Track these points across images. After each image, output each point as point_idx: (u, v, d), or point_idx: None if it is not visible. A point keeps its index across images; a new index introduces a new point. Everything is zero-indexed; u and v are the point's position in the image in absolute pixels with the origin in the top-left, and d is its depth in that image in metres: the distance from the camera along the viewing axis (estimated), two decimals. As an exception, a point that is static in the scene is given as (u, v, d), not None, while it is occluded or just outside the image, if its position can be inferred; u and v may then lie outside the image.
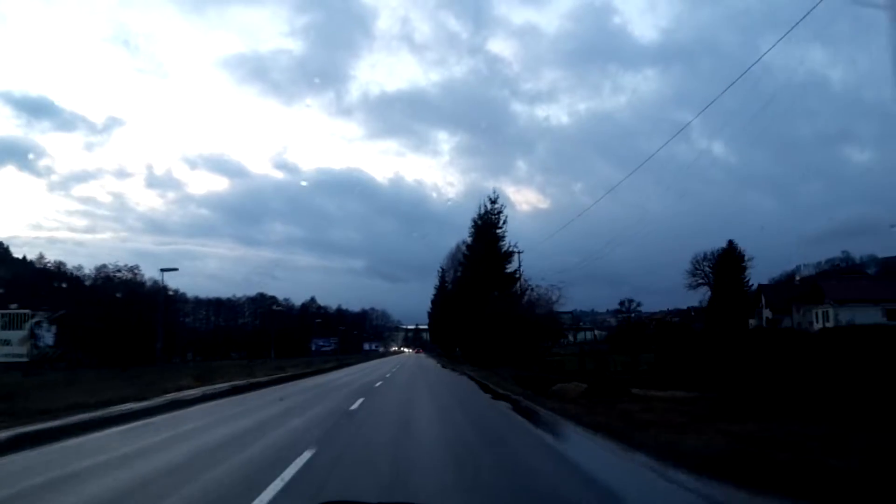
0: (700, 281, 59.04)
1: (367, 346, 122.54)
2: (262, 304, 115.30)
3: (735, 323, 45.55)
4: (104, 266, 72.25)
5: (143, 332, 72.70)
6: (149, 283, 77.94)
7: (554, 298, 32.84)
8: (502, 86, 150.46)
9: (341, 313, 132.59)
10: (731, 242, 55.40)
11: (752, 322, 50.92)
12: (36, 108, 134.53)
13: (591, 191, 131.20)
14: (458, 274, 53.12)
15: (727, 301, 50.58)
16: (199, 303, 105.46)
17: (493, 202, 41.30)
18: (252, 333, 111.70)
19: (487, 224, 40.71)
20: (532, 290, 35.36)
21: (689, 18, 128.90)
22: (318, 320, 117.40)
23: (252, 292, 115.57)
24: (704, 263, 57.77)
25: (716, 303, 53.34)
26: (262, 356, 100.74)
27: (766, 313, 51.78)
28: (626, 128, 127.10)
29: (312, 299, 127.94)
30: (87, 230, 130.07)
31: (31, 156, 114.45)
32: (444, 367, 43.57)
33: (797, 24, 11.75)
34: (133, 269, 75.77)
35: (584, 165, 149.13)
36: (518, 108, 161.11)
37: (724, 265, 54.17)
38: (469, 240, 44.06)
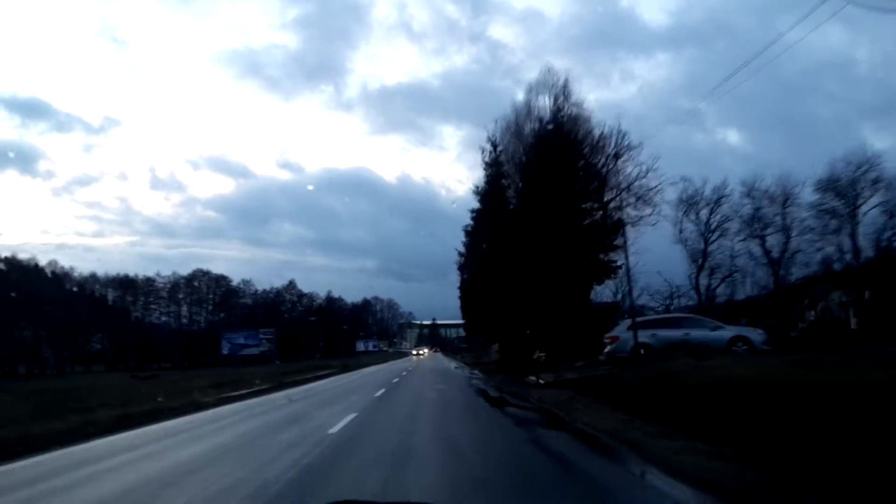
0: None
1: (361, 346, 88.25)
2: (212, 287, 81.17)
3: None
4: None
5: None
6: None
7: None
8: (505, 75, 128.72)
9: (332, 303, 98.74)
10: None
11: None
12: (30, 110, 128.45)
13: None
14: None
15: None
16: (108, 283, 71.38)
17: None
18: (193, 329, 77.84)
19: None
20: None
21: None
22: (313, 318, 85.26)
23: (186, 270, 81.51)
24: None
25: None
26: (205, 363, 67.85)
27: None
28: (637, 117, 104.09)
29: (291, 283, 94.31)
30: (96, 235, 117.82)
31: (30, 159, 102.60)
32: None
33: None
34: None
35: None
36: (523, 98, 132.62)
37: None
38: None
